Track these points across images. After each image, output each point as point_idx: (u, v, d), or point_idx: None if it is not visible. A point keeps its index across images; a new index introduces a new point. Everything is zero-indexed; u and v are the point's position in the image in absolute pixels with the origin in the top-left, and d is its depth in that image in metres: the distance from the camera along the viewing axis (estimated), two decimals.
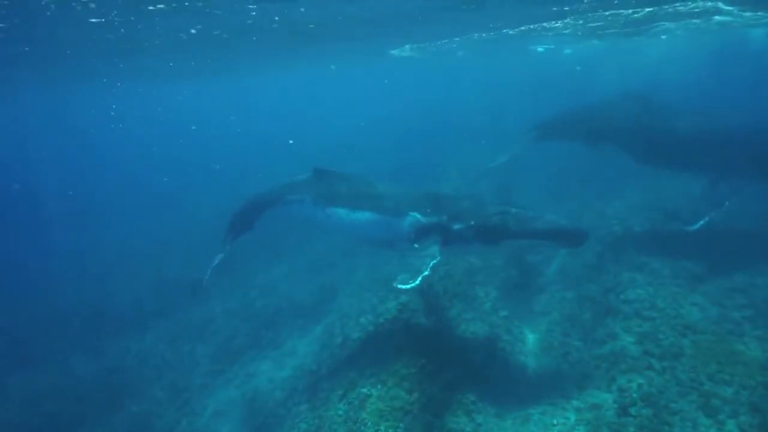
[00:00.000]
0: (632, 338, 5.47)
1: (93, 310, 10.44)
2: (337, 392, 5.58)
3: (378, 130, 22.10)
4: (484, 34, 14.74)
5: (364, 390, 5.25)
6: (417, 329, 6.11)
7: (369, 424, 4.77)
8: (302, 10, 9.49)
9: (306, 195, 6.21)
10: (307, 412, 5.68)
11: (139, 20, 8.91)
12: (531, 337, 6.22)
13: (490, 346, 5.92)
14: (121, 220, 16.89)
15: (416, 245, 5.35)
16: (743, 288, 5.98)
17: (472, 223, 5.10)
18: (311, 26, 11.22)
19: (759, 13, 12.62)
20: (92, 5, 7.42)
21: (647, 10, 11.99)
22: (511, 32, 14.43)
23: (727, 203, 6.35)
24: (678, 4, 11.58)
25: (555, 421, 4.75)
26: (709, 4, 11.62)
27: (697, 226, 6.34)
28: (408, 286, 4.65)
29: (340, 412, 5.16)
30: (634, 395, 4.73)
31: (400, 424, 4.68)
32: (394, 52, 18.56)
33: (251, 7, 8.80)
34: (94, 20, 8.44)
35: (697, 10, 12.31)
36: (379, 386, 5.23)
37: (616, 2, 10.72)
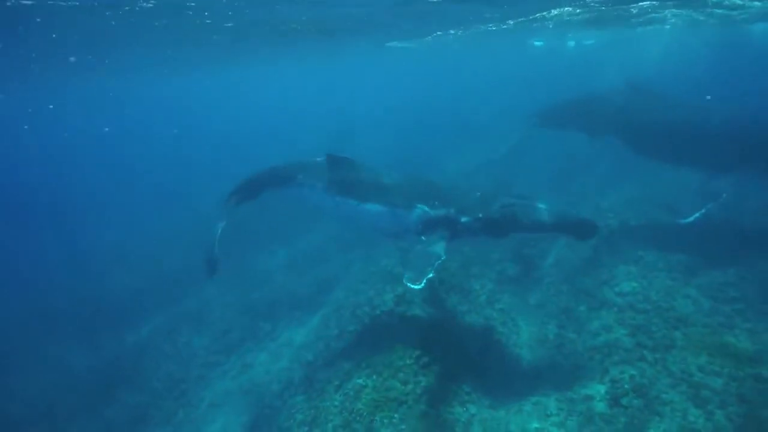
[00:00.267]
0: (626, 330, 5.53)
1: (90, 303, 10.43)
2: (333, 383, 5.63)
3: (376, 123, 22.02)
4: (482, 27, 14.62)
5: (360, 381, 5.30)
6: (413, 321, 6.16)
7: (364, 414, 4.83)
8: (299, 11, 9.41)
9: (317, 181, 6.22)
10: (303, 403, 5.73)
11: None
12: (526, 330, 6.27)
13: (486, 338, 5.97)
14: (120, 214, 16.82)
15: (423, 237, 5.37)
16: (735, 281, 6.05)
17: (480, 216, 5.13)
18: (302, 23, 11.12)
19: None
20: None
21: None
22: (511, 22, 14.31)
23: (723, 196, 6.39)
24: None
25: (548, 412, 4.82)
26: None
27: (691, 219, 6.38)
28: (418, 287, 4.70)
29: (335, 403, 5.21)
30: (626, 386, 4.80)
31: (395, 415, 4.74)
32: (392, 43, 18.43)
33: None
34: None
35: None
36: (374, 377, 5.28)
37: None
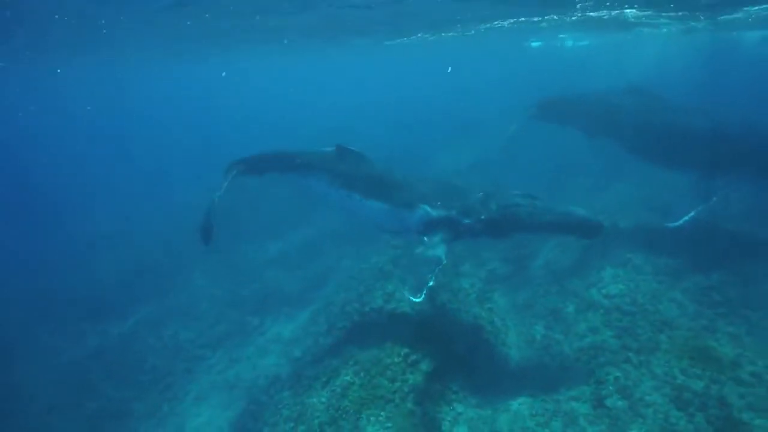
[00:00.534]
0: (612, 332, 5.59)
1: (74, 294, 10.26)
2: (320, 380, 5.61)
3: (372, 119, 21.89)
4: (480, 26, 14.61)
5: (347, 378, 5.29)
6: (402, 319, 6.16)
7: (351, 411, 4.82)
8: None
9: (324, 173, 6.15)
10: (289, 398, 5.70)
11: None
12: (514, 329, 6.31)
13: (474, 337, 6.00)
14: (107, 203, 16.54)
15: (425, 238, 5.34)
16: (719, 286, 6.15)
17: (482, 217, 5.08)
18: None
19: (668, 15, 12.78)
20: None
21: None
22: (505, 24, 14.35)
23: (713, 200, 6.48)
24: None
25: (534, 412, 4.86)
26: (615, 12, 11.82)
27: (679, 223, 6.47)
28: (418, 299, 4.70)
29: (322, 399, 5.20)
30: (611, 388, 4.85)
31: (382, 413, 4.74)
32: (389, 42, 18.36)
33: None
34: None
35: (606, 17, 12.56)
36: (362, 374, 5.27)
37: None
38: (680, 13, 12.76)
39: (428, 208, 5.43)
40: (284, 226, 12.37)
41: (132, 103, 40.76)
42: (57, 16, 9.30)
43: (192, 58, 19.15)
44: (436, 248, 5.11)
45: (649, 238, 7.28)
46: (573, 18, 13.30)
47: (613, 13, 12.17)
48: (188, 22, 10.68)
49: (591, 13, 12.28)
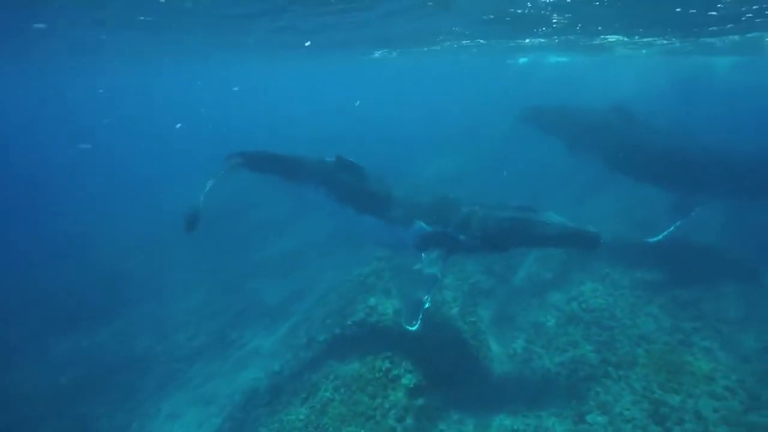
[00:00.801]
0: (591, 346, 5.64)
1: (41, 304, 9.80)
2: (299, 395, 5.47)
3: (357, 128, 21.95)
4: (464, 42, 14.89)
5: (327, 394, 5.17)
6: (384, 333, 6.07)
7: (330, 429, 4.70)
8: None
9: (321, 184, 6.06)
10: (266, 416, 5.53)
11: None
12: (496, 344, 6.30)
13: (457, 351, 5.95)
14: (77, 211, 15.96)
15: (423, 255, 5.29)
16: (695, 300, 6.30)
17: (479, 233, 5.03)
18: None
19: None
20: None
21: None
22: (483, 42, 14.66)
23: (691, 216, 6.70)
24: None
25: (516, 428, 4.83)
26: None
27: (659, 238, 6.65)
28: (413, 328, 4.66)
29: (301, 417, 5.06)
30: (591, 403, 4.88)
31: (362, 430, 4.63)
32: (377, 54, 18.52)
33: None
34: None
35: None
36: (342, 390, 5.16)
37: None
38: (649, 39, 13.34)
39: (424, 225, 5.37)
40: (266, 235, 12.19)
41: (110, 106, 39.89)
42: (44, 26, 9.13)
43: (184, 61, 18.91)
44: (433, 266, 5.06)
45: (626, 253, 7.44)
46: (555, 40, 13.72)
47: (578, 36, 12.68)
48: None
49: (556, 38, 12.72)
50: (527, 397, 5.28)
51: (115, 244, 12.75)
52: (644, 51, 16.56)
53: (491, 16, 9.70)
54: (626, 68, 23.18)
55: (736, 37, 12.90)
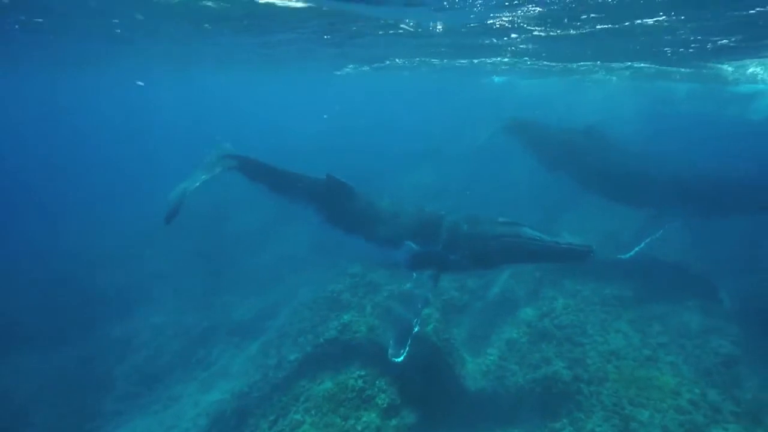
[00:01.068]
0: (564, 363, 5.69)
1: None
2: (267, 418, 5.25)
3: (333, 146, 21.91)
4: (434, 60, 15.18)
5: (297, 416, 4.96)
6: (357, 351, 5.93)
7: None
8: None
9: (311, 203, 5.96)
10: None
11: None
12: (470, 361, 6.27)
13: (431, 369, 5.87)
14: (39, 225, 15.04)
15: (414, 274, 5.23)
16: (660, 316, 6.51)
17: (469, 252, 4.99)
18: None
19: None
20: None
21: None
22: (458, 63, 15.05)
23: (660, 233, 6.98)
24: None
25: None
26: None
27: (630, 255, 6.88)
28: (399, 359, 4.58)
29: None
30: (564, 420, 4.88)
31: None
32: (340, 72, 18.73)
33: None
34: None
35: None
36: (313, 412, 4.97)
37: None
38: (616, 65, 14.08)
39: (413, 245, 5.32)
40: (240, 249, 11.83)
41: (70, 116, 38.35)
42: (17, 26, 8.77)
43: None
44: (424, 286, 5.00)
45: (596, 270, 7.63)
46: (528, 63, 14.25)
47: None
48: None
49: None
50: (501, 414, 5.24)
51: (80, 257, 12.06)
52: (614, 78, 17.44)
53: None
54: (597, 90, 24.23)
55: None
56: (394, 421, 4.94)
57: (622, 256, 6.90)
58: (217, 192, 8.63)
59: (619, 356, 5.66)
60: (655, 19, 7.09)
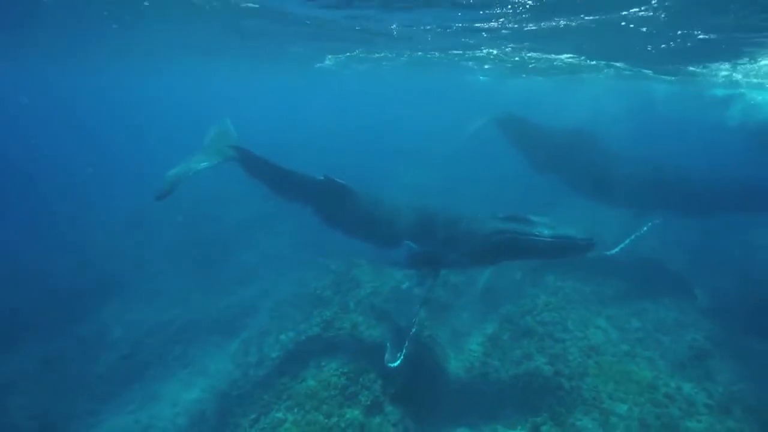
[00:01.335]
0: (545, 359, 5.76)
1: None
2: (248, 417, 5.15)
3: (319, 143, 21.67)
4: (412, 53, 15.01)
5: (279, 414, 4.88)
6: (340, 348, 5.87)
7: None
8: None
9: (309, 203, 5.86)
10: None
11: None
12: (453, 358, 6.29)
13: (414, 366, 5.85)
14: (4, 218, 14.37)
15: (413, 272, 5.19)
16: (638, 312, 6.67)
17: (467, 250, 4.92)
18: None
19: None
20: None
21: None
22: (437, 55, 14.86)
23: (644, 230, 7.17)
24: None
25: None
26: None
27: (615, 252, 7.03)
28: (394, 364, 4.49)
29: None
30: (545, 415, 4.94)
31: None
32: (321, 65, 18.44)
33: None
34: None
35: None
36: (295, 410, 4.90)
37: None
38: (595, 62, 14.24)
39: (412, 245, 5.24)
40: (221, 245, 11.58)
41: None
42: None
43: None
44: (423, 285, 4.93)
45: (577, 268, 7.77)
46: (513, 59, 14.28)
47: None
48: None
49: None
50: (484, 409, 5.27)
51: (55, 252, 11.58)
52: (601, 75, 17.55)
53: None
54: (584, 90, 24.55)
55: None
56: (377, 419, 4.91)
57: (608, 253, 7.04)
58: (197, 188, 8.39)
59: (598, 352, 5.77)
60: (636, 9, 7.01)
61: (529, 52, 12.73)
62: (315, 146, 18.73)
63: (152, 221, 12.87)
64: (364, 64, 18.05)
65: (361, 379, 5.22)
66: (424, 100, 37.81)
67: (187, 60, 17.59)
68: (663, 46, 9.54)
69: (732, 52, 10.06)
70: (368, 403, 5.00)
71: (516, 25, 8.71)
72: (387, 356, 4.58)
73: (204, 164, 6.12)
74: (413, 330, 4.66)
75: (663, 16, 6.96)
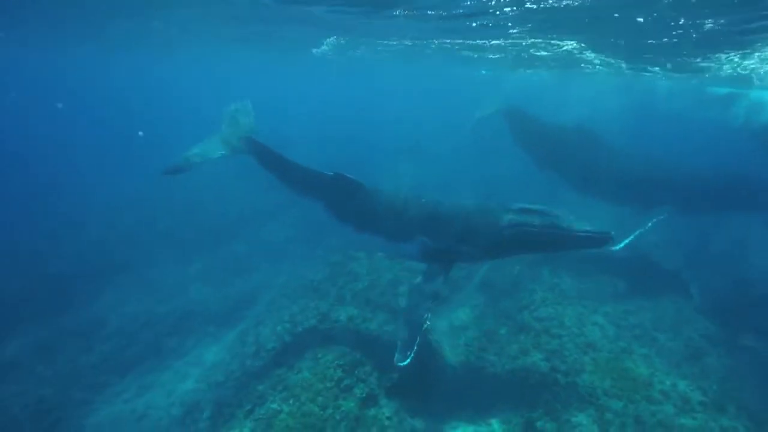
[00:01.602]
0: (542, 354, 5.76)
1: None
2: (244, 408, 5.13)
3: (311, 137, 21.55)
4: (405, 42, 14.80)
5: (274, 405, 4.86)
6: (336, 340, 5.85)
7: None
8: None
9: (321, 199, 5.82)
10: (207, 430, 5.11)
11: None
12: (450, 352, 6.28)
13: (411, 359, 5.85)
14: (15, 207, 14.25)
15: (426, 266, 5.15)
16: (635, 310, 6.67)
17: (482, 243, 4.83)
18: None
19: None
20: None
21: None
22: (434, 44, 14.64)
23: (648, 226, 7.18)
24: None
25: None
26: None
27: (620, 247, 7.03)
28: (404, 363, 4.38)
29: (245, 431, 4.71)
30: (541, 410, 4.94)
31: None
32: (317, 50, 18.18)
33: None
34: None
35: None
36: (291, 401, 4.88)
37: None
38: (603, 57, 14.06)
39: (426, 239, 5.17)
40: (217, 237, 11.53)
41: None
42: None
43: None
44: (435, 280, 4.87)
45: (574, 264, 7.76)
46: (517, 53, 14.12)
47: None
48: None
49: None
50: (480, 404, 5.27)
51: (52, 240, 11.50)
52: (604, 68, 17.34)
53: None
54: (587, 85, 24.43)
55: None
56: (372, 411, 4.90)
57: (613, 248, 7.03)
58: (192, 179, 8.30)
59: (595, 348, 5.77)
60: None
61: (531, 38, 12.47)
62: (314, 137, 18.61)
63: (143, 213, 12.83)
64: (362, 50, 17.81)
65: (356, 372, 5.21)
66: (423, 94, 37.65)
67: (187, 48, 17.40)
68: (665, 39, 9.42)
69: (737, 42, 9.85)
70: (363, 395, 5.00)
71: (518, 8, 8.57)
72: (397, 356, 4.46)
73: (221, 152, 6.21)
74: (427, 323, 4.56)
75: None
